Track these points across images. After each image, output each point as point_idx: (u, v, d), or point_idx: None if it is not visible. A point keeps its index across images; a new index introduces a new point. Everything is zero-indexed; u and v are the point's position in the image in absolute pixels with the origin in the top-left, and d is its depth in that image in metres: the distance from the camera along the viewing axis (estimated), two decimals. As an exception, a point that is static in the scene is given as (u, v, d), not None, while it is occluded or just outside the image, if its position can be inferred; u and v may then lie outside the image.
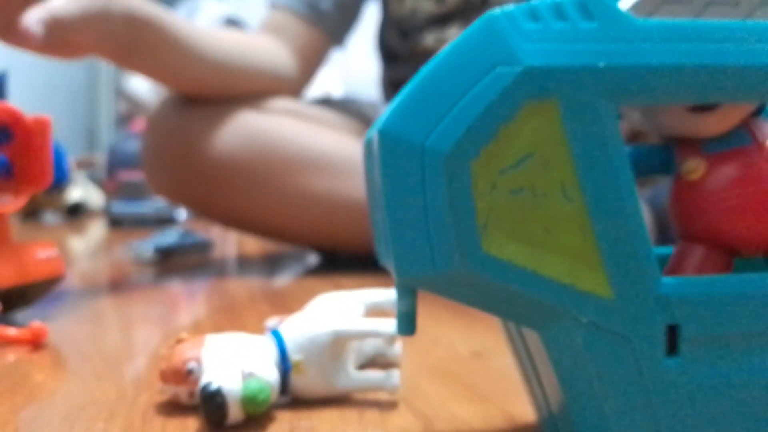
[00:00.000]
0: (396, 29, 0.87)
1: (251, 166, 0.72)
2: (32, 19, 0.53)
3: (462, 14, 0.82)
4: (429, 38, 0.83)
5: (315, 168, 0.73)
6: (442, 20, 0.83)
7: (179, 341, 0.30)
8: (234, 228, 0.81)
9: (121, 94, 2.00)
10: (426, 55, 0.83)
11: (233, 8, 2.38)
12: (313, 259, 0.87)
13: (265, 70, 0.78)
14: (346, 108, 0.87)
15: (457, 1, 0.81)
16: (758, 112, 0.25)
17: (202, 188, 0.74)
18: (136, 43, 0.64)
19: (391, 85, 0.92)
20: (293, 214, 0.74)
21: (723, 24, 0.21)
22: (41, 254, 0.49)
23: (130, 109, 1.97)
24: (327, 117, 0.81)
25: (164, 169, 0.76)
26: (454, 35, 0.81)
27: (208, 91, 0.74)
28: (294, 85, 0.83)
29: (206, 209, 0.78)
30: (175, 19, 0.69)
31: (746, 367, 0.22)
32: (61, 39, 0.56)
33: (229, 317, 0.51)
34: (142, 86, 2.00)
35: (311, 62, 0.84)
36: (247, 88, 0.76)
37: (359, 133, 0.83)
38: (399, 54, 0.88)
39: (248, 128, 0.73)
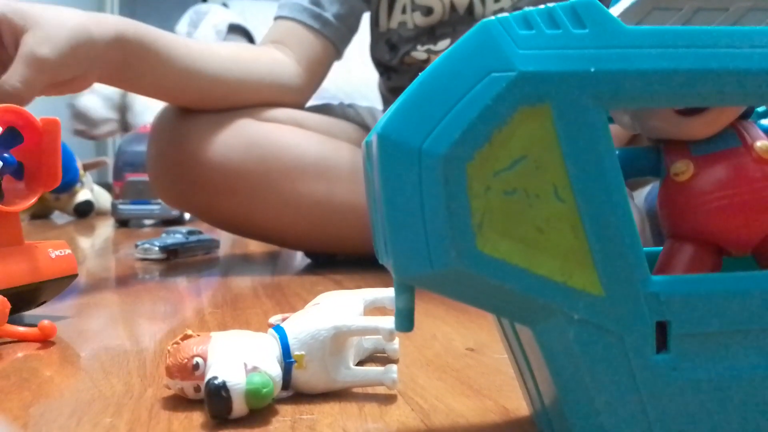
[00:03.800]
0: (385, 43, 0.87)
1: (252, 173, 0.73)
2: (11, 79, 0.52)
3: (449, 26, 0.82)
4: (418, 50, 0.83)
5: (314, 173, 0.74)
6: (430, 32, 0.83)
7: (185, 337, 0.31)
8: (236, 232, 0.82)
9: (72, 111, 1.94)
10: (416, 66, 0.84)
11: (237, 15, 2.38)
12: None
13: (266, 80, 0.78)
14: (344, 114, 0.88)
15: (443, 13, 0.81)
16: (746, 115, 0.25)
17: (204, 194, 0.75)
18: (129, 62, 0.64)
19: (389, 92, 0.93)
20: (293, 219, 0.75)
21: (712, 30, 0.22)
22: (54, 253, 0.49)
23: (83, 127, 1.94)
24: (326, 123, 0.82)
25: (167, 176, 0.77)
26: (443, 47, 0.81)
27: (208, 105, 0.75)
28: (298, 94, 0.83)
29: (209, 215, 0.79)
30: (169, 36, 0.69)
31: (734, 363, 0.22)
32: (51, 81, 0.55)
33: (233, 314, 0.51)
34: (92, 102, 1.93)
35: (317, 71, 0.84)
36: (248, 100, 0.76)
37: (358, 138, 0.84)
38: (390, 66, 0.88)
39: (249, 136, 0.74)
